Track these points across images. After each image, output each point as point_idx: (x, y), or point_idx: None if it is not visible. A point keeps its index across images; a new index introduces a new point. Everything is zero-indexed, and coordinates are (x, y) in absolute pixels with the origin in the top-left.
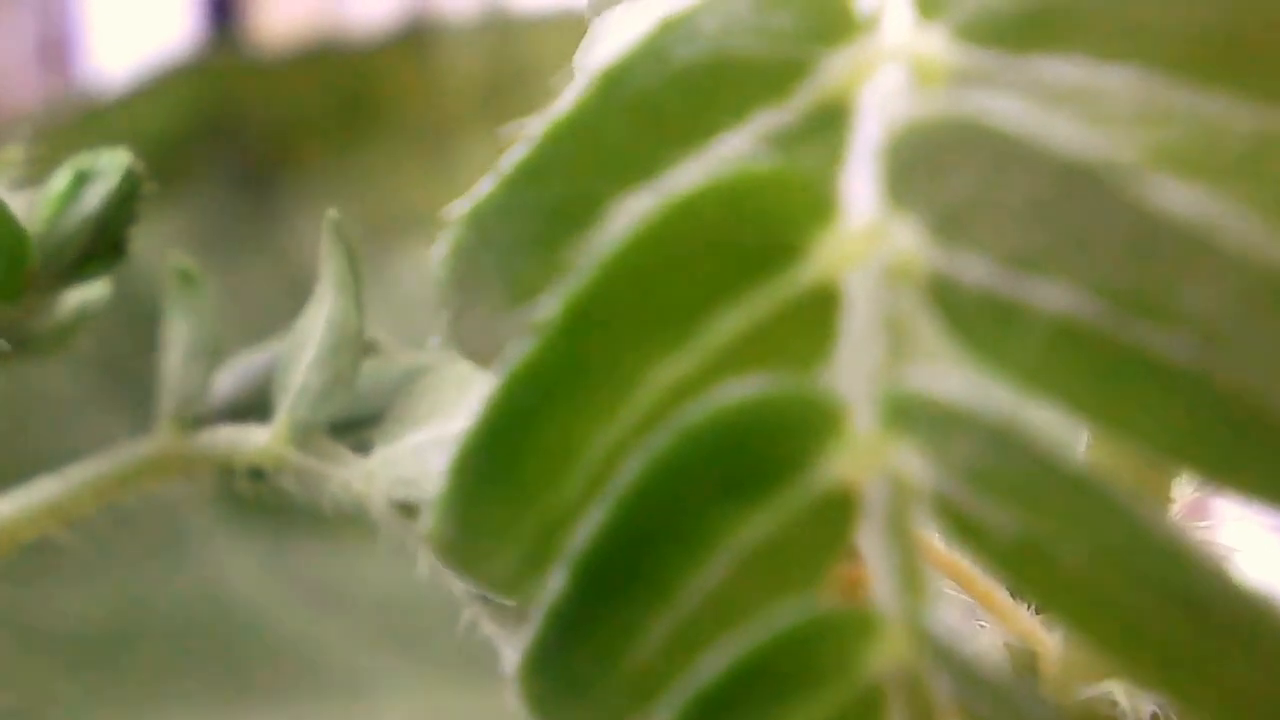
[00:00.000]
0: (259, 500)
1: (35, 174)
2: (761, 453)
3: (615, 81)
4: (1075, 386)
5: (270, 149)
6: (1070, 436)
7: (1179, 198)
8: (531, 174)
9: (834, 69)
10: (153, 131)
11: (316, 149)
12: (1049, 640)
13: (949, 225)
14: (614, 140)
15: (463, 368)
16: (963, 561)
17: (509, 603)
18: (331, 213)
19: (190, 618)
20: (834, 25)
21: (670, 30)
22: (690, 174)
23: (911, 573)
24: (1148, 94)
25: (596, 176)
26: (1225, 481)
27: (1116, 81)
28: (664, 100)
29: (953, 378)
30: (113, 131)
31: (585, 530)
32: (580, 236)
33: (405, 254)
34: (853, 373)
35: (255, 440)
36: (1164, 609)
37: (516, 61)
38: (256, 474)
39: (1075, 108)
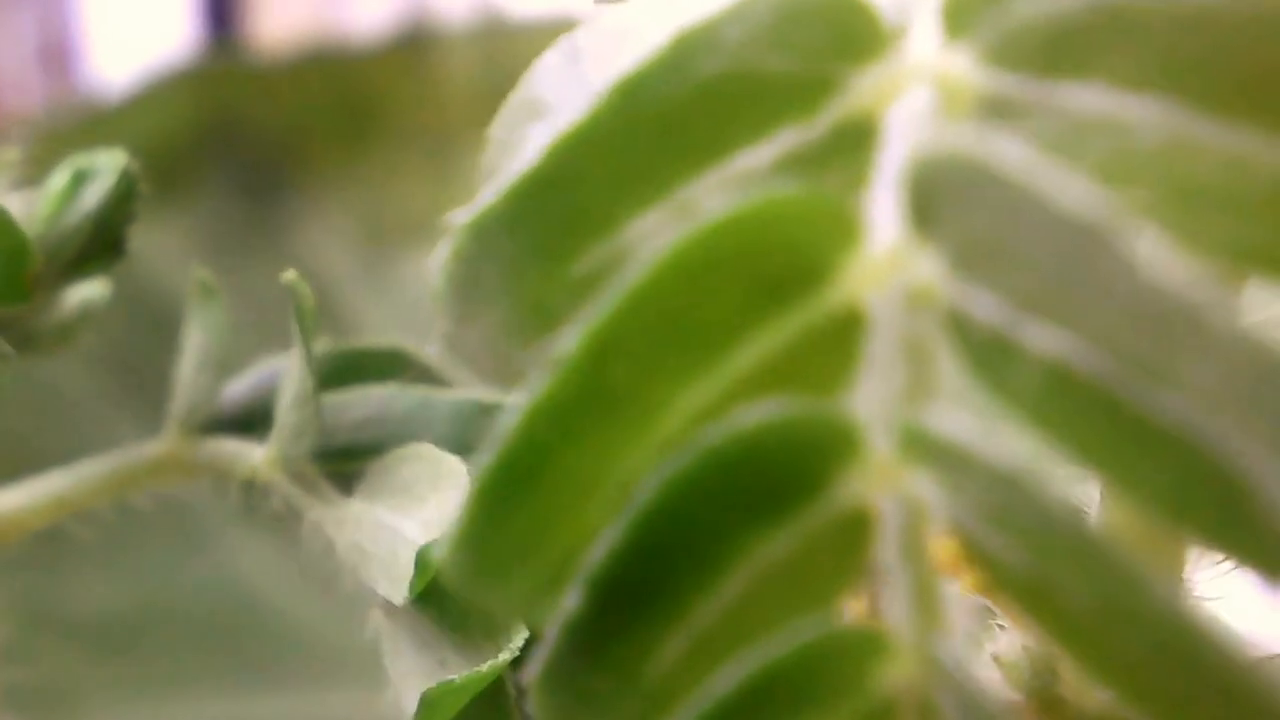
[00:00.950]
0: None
1: (34, 176)
2: (779, 473)
3: (632, 93)
4: (1075, 433)
5: (270, 154)
6: (1078, 488)
7: (1177, 271)
8: (540, 185)
9: (861, 88)
10: (153, 136)
11: (316, 154)
12: None
13: (965, 260)
14: (629, 154)
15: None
16: None
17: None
18: (291, 274)
19: (209, 607)
20: (861, 41)
21: (690, 41)
22: (714, 199)
23: (925, 595)
24: (1173, 127)
25: (610, 191)
26: (1214, 547)
27: (1142, 113)
28: (683, 114)
29: (966, 420)
30: (113, 136)
31: (602, 548)
32: (591, 252)
33: (405, 258)
34: (874, 396)
35: (251, 458)
36: (1161, 662)
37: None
38: (250, 486)
39: (1100, 140)
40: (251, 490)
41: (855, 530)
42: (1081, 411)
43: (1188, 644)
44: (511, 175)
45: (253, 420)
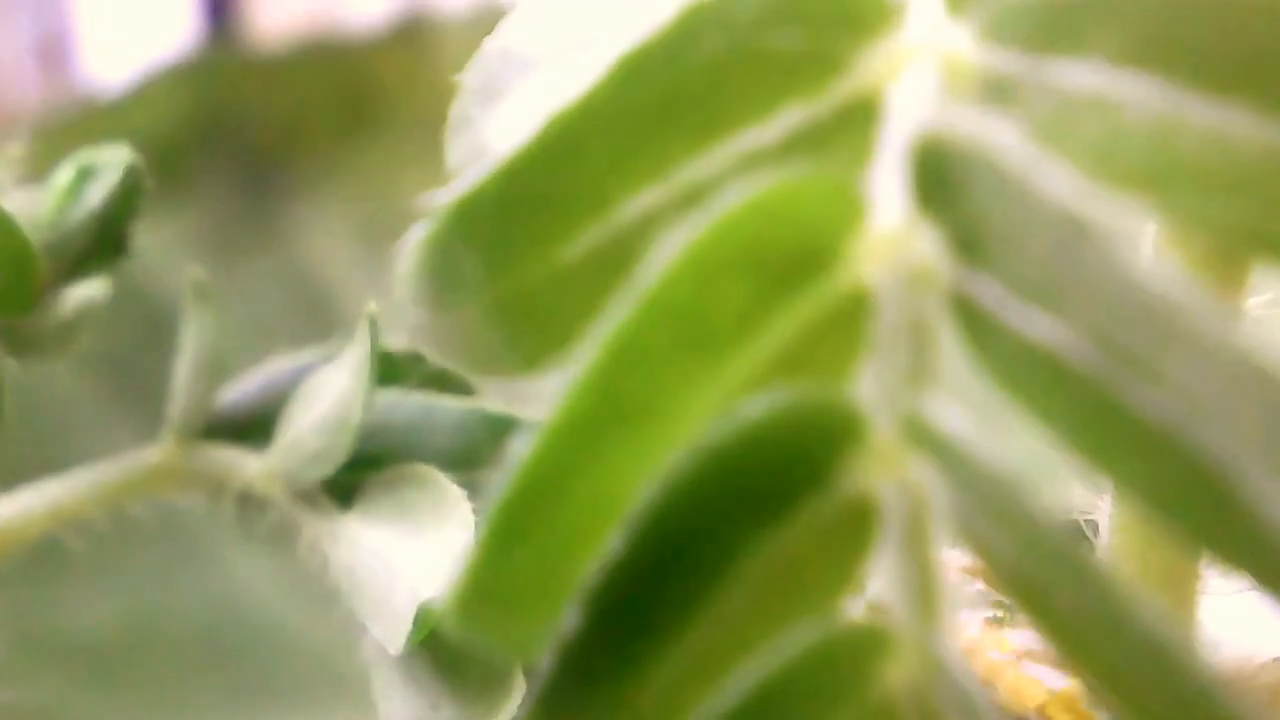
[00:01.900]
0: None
1: (35, 172)
2: (783, 466)
3: (636, 69)
4: (1066, 424)
5: (269, 146)
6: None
7: (1163, 270)
8: (534, 164)
9: (866, 65)
10: (152, 130)
11: (315, 146)
12: None
13: (964, 243)
14: (631, 131)
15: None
16: None
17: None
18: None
19: (206, 623)
20: (867, 17)
21: (697, 17)
22: (719, 183)
23: (927, 589)
24: (1162, 105)
25: (609, 169)
26: (1201, 547)
27: (1134, 90)
28: (687, 90)
29: (961, 413)
30: (112, 130)
31: (601, 564)
32: (585, 234)
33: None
34: (879, 379)
35: (249, 469)
36: (1137, 672)
37: None
38: (246, 498)
39: (1092, 119)
40: (247, 503)
41: (859, 521)
42: (1072, 402)
43: (1160, 658)
44: (502, 154)
45: (251, 427)
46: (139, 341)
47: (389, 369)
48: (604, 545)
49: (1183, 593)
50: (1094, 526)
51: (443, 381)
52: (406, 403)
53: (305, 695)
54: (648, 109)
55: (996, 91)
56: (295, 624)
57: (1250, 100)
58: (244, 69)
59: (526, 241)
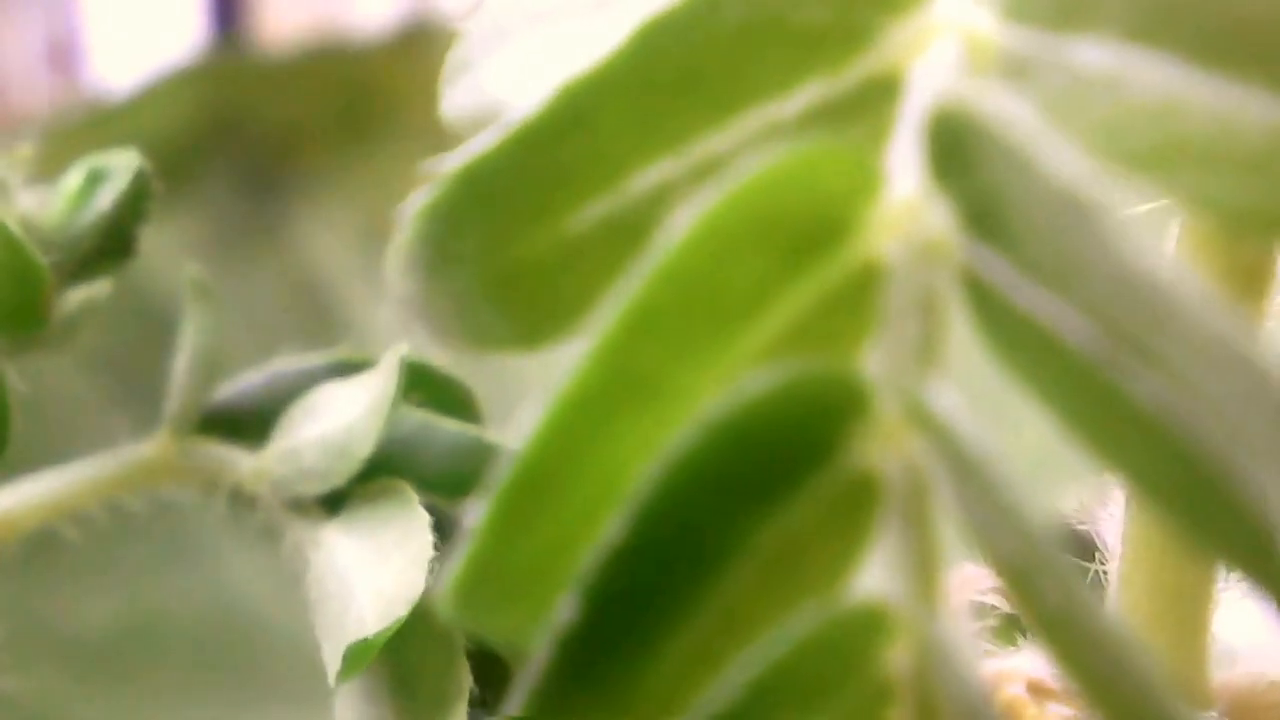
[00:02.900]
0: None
1: (44, 172)
2: (786, 442)
3: (656, 38)
4: (1067, 404)
5: (275, 150)
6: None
7: (1163, 256)
8: (545, 133)
9: (891, 41)
10: (159, 133)
11: (321, 150)
12: None
13: (975, 218)
14: (645, 102)
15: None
16: None
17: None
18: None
19: (202, 617)
20: None
21: None
22: (736, 154)
23: (927, 569)
24: (1170, 83)
25: (623, 139)
26: (1196, 538)
27: (1143, 69)
28: (708, 61)
29: (958, 401)
30: (119, 132)
31: (598, 550)
32: (593, 205)
33: None
34: (888, 354)
35: (242, 467)
36: (1106, 678)
37: None
38: (237, 495)
39: (1101, 97)
40: (239, 500)
41: (862, 499)
42: (1073, 384)
43: (1123, 664)
44: (512, 121)
45: (248, 426)
46: (141, 339)
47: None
48: (605, 523)
49: (1195, 609)
50: (1105, 540)
51: (448, 403)
52: (406, 419)
53: (300, 689)
54: (665, 79)
55: (1014, 69)
56: (289, 619)
57: (1258, 79)
58: (249, 74)
59: (533, 211)
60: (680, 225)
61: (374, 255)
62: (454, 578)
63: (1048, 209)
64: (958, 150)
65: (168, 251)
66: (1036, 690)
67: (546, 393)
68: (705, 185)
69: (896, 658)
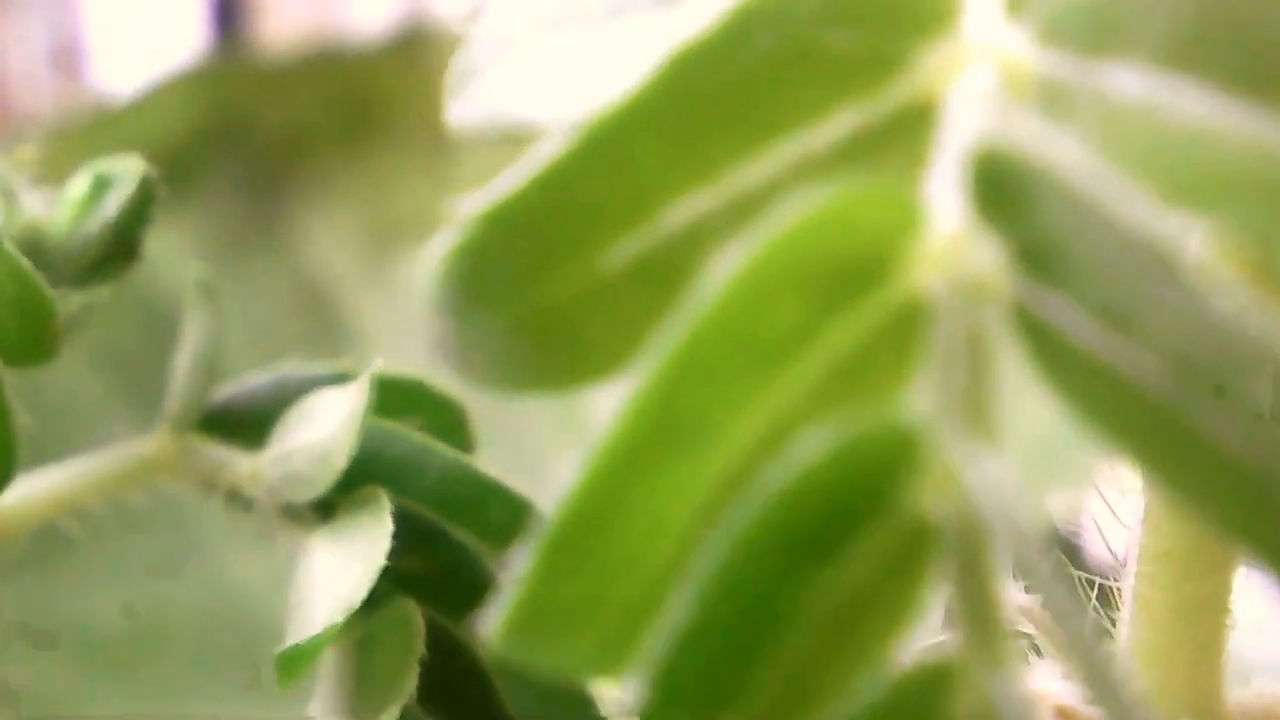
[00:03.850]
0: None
1: (48, 175)
2: (843, 502)
3: (686, 68)
4: (1139, 444)
5: (274, 152)
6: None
7: (1237, 297)
8: (574, 170)
9: (924, 67)
10: (161, 136)
11: (320, 153)
12: None
13: (1030, 257)
14: (676, 134)
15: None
16: None
17: None
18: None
19: (203, 612)
20: (926, 17)
21: (753, 13)
22: (773, 189)
23: (987, 619)
24: (1206, 112)
25: (653, 174)
26: (1269, 570)
27: (1179, 97)
28: (740, 92)
29: (998, 464)
30: (122, 136)
31: (668, 631)
32: (626, 241)
33: (407, 258)
34: (937, 393)
35: (240, 468)
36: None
37: None
38: (234, 495)
39: (1140, 128)
40: (236, 498)
41: (918, 549)
42: (1143, 423)
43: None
44: (539, 159)
45: (248, 427)
46: (144, 340)
47: (396, 399)
48: (655, 565)
49: (1213, 626)
50: (1117, 554)
51: (443, 424)
52: (402, 440)
53: (302, 684)
54: (696, 110)
55: (1053, 98)
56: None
57: None
58: (251, 77)
59: (563, 250)
60: (722, 271)
61: (374, 256)
62: (503, 618)
63: (1111, 249)
64: (1005, 188)
65: (170, 252)
66: (1065, 716)
67: (589, 440)
68: (739, 218)
69: (960, 713)
